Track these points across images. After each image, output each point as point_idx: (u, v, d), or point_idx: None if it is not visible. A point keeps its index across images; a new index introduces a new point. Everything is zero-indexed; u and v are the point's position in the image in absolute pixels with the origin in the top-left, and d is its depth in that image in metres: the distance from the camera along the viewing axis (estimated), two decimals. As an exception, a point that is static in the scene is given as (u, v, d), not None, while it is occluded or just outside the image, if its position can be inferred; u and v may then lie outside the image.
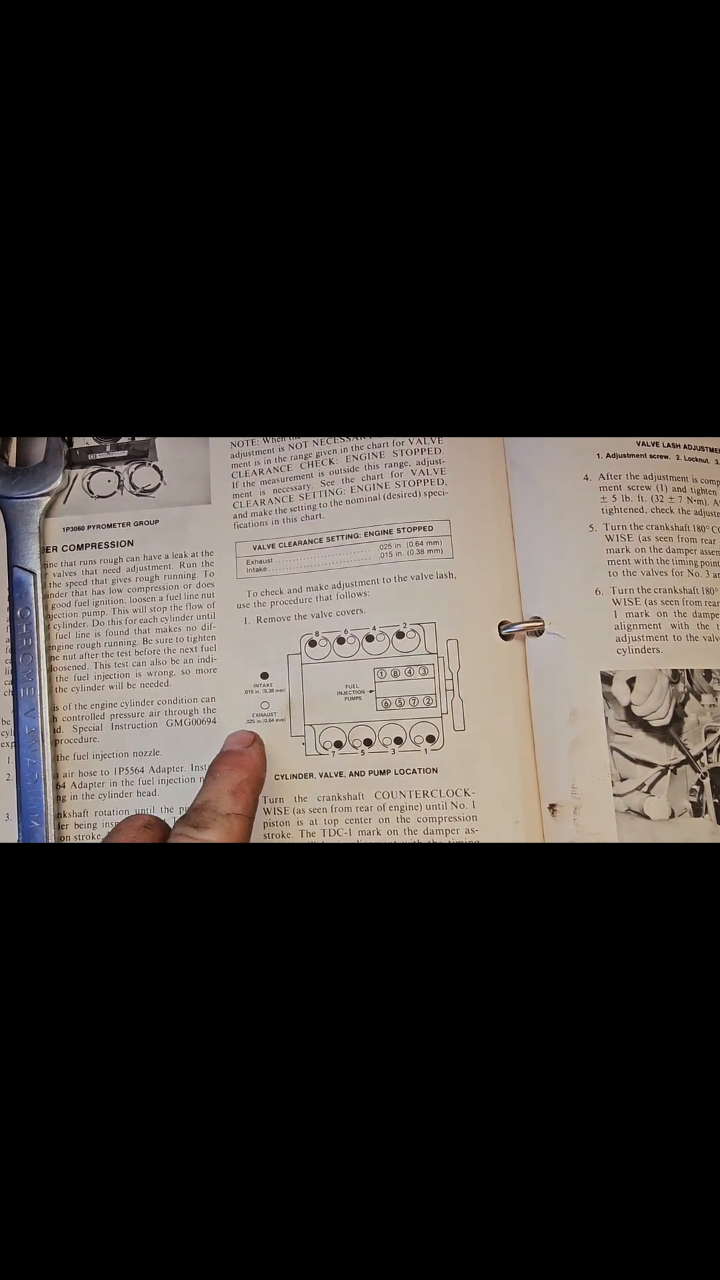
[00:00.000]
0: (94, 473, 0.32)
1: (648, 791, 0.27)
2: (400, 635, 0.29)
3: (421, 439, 0.30)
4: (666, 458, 0.29)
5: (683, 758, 0.27)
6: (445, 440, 0.30)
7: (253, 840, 0.25)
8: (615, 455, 0.29)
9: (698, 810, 0.27)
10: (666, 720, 0.28)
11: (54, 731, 0.30)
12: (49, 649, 0.31)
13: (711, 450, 0.30)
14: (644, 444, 0.29)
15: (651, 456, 0.29)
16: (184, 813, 0.25)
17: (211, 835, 0.23)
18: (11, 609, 0.31)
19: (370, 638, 0.29)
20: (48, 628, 0.31)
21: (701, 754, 0.28)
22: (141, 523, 0.32)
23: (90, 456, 0.33)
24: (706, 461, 0.30)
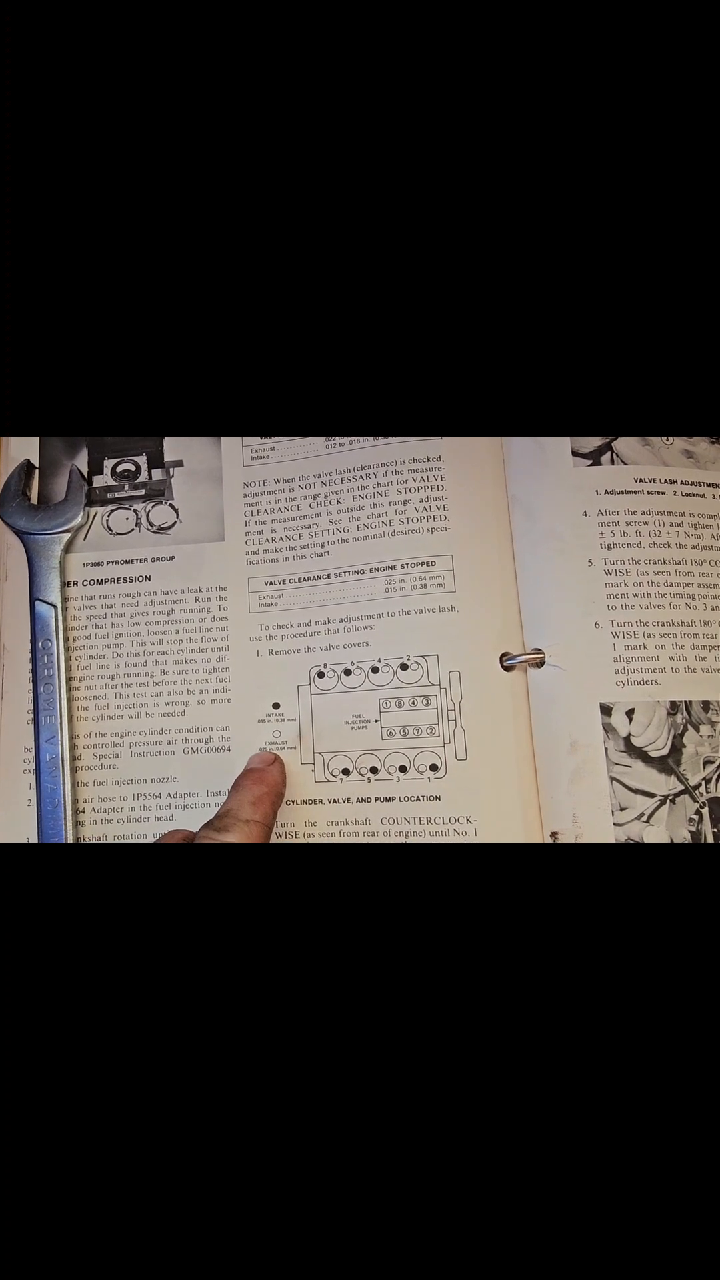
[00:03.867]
0: (113, 510, 0.34)
1: (647, 821, 0.28)
2: (404, 667, 0.30)
3: (424, 477, 0.31)
4: (664, 493, 0.30)
5: (681, 788, 0.28)
6: (447, 477, 0.31)
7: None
8: (613, 492, 0.30)
9: (696, 839, 0.28)
10: (665, 751, 0.28)
11: (74, 758, 0.32)
12: (70, 679, 0.32)
13: (708, 485, 0.31)
14: (641, 480, 0.30)
15: (649, 493, 0.30)
16: (208, 820, 0.27)
17: (232, 837, 0.25)
18: (34, 640, 0.33)
19: (376, 669, 0.30)
20: (68, 659, 0.33)
21: (700, 784, 0.28)
22: (158, 559, 0.33)
23: (109, 495, 0.34)
24: (703, 497, 0.30)
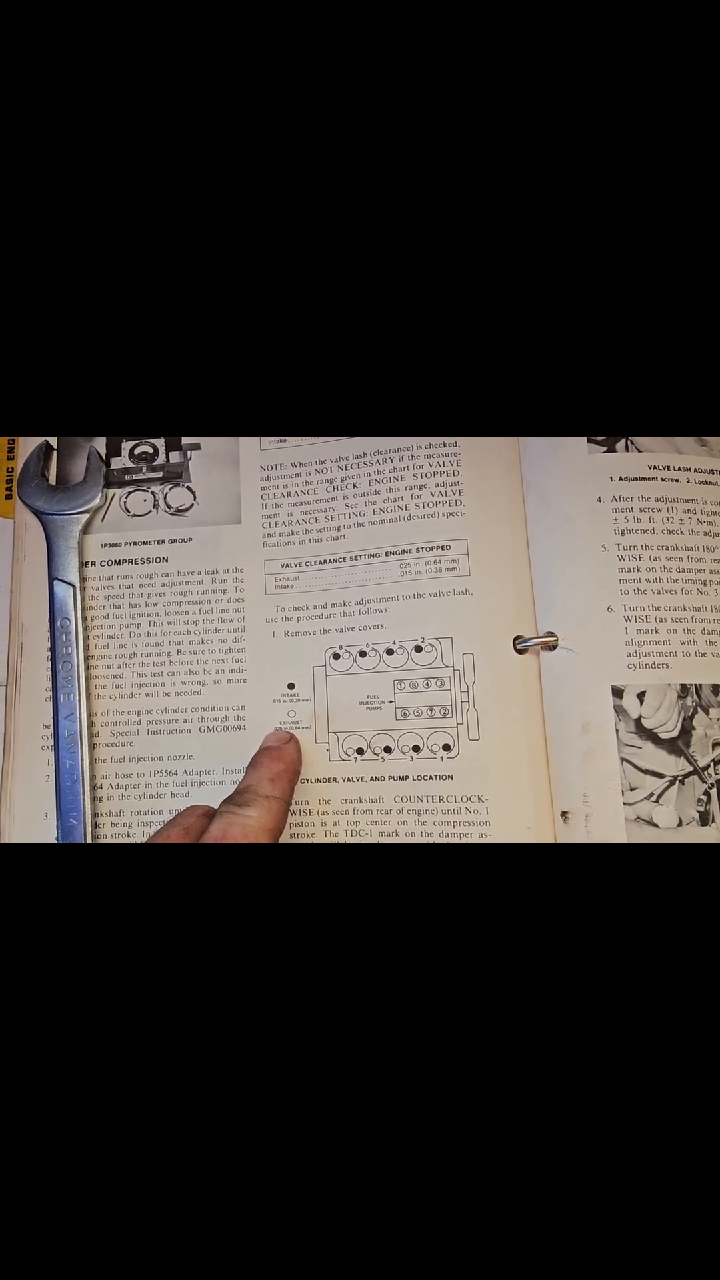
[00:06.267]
0: (131, 492, 0.34)
1: (656, 801, 0.28)
2: (419, 649, 0.31)
3: (440, 462, 0.31)
4: (677, 481, 0.31)
5: (690, 769, 0.29)
6: (463, 463, 0.31)
7: (281, 838, 0.27)
8: (627, 478, 0.30)
9: (704, 819, 0.28)
10: (675, 733, 0.29)
11: (92, 736, 0.32)
12: (88, 658, 0.33)
13: (721, 473, 0.31)
14: (655, 467, 0.31)
15: (662, 480, 0.30)
16: (228, 796, 0.27)
17: (252, 812, 0.26)
18: (52, 620, 0.33)
19: (390, 651, 0.31)
20: (86, 638, 0.33)
21: (709, 765, 0.29)
22: (176, 540, 0.33)
23: (127, 477, 0.34)
24: (716, 484, 0.31)
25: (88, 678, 0.33)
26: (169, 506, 0.34)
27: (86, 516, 0.34)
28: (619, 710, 0.29)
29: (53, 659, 0.33)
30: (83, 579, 0.33)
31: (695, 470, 0.31)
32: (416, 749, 0.30)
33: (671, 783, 0.28)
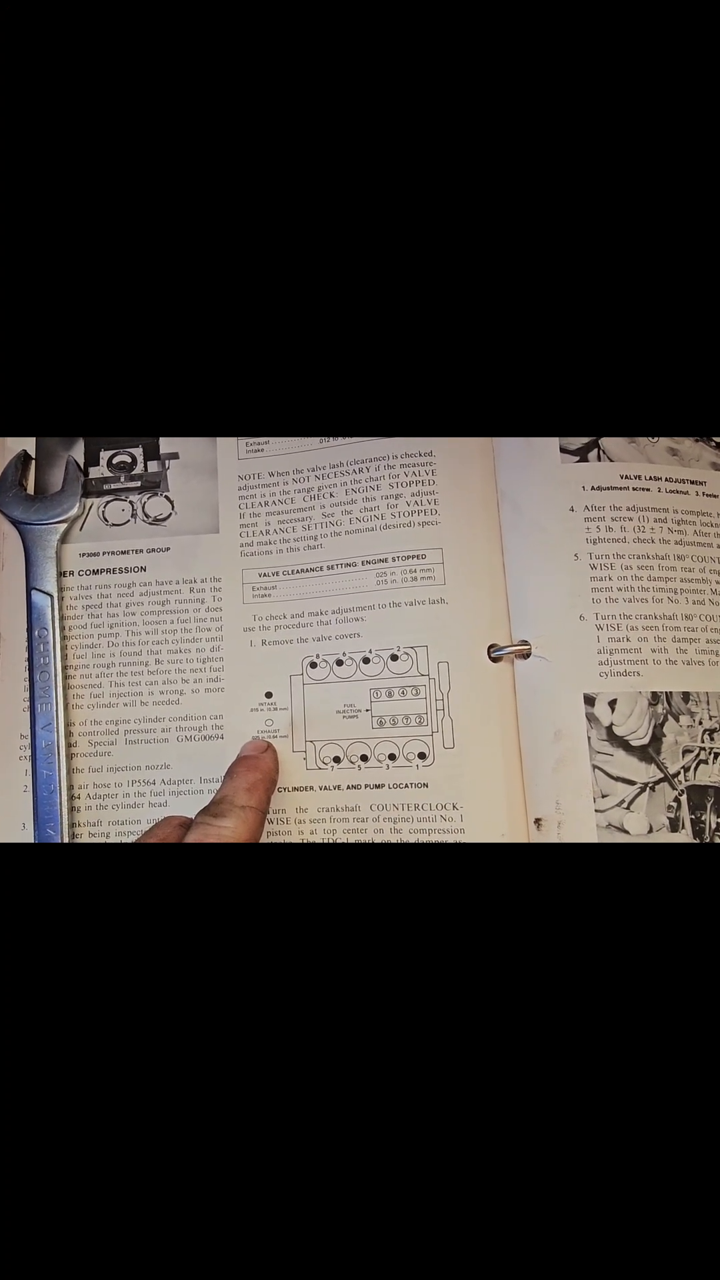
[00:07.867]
0: (109, 502, 0.34)
1: (627, 808, 0.29)
2: (395, 658, 0.31)
3: (416, 472, 0.32)
4: (648, 490, 0.31)
5: (661, 776, 0.29)
6: (438, 472, 0.32)
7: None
8: (599, 488, 0.31)
9: (674, 826, 0.29)
10: (646, 740, 0.29)
11: (70, 745, 0.32)
12: (66, 668, 0.33)
13: (692, 482, 0.31)
14: (626, 477, 0.31)
15: (634, 489, 0.31)
16: (204, 806, 0.27)
17: (228, 823, 0.26)
18: (30, 629, 0.33)
19: (367, 660, 0.31)
20: (64, 647, 0.33)
21: (679, 772, 0.29)
22: (154, 550, 0.33)
23: (105, 486, 0.35)
24: (687, 493, 0.31)
25: (65, 687, 0.33)
26: (147, 516, 0.34)
27: (64, 526, 0.34)
28: (591, 718, 0.29)
29: (30, 669, 0.33)
30: (61, 588, 0.34)
31: (666, 479, 0.31)
32: (392, 757, 0.30)
33: (642, 790, 0.29)
